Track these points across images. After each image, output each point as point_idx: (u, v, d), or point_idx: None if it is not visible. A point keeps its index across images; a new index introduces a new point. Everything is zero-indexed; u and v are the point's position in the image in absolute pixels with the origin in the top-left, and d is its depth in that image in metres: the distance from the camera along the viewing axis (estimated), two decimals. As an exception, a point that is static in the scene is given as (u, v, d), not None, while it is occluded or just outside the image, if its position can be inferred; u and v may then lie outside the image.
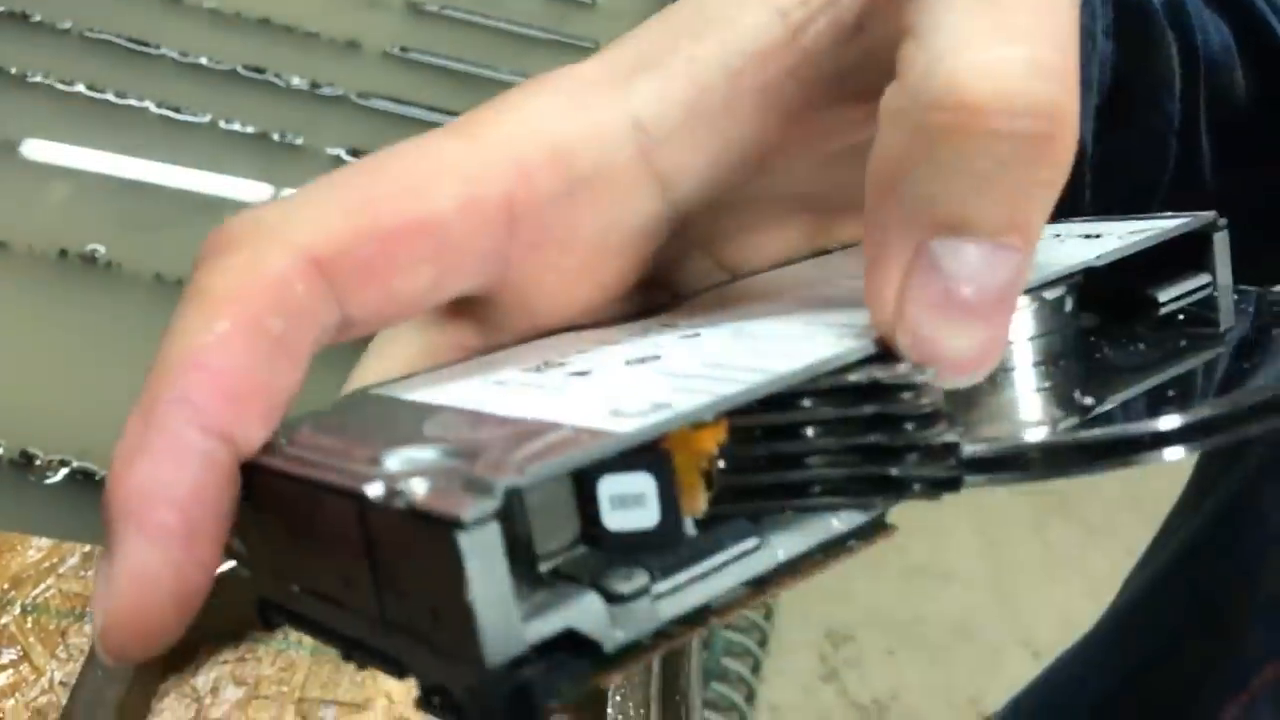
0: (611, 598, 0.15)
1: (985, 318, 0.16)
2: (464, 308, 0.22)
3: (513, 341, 0.22)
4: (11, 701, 0.42)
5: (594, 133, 0.20)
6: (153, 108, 0.73)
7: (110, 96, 0.73)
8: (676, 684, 0.45)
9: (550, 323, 0.22)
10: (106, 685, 0.41)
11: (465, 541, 0.13)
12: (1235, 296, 0.22)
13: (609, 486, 0.15)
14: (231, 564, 0.45)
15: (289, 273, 0.17)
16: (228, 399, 0.17)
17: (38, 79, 0.73)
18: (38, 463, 0.53)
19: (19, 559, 0.47)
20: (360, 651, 0.17)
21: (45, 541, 0.47)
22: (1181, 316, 0.22)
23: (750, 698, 1.38)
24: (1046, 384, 0.19)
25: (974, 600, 1.59)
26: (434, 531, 0.13)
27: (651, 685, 0.45)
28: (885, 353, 0.17)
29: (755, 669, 1.41)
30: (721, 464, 0.16)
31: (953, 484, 0.17)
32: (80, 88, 0.73)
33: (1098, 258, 0.20)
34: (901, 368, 0.17)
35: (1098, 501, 1.76)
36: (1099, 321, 0.22)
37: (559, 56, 0.88)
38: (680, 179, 0.21)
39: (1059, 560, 1.67)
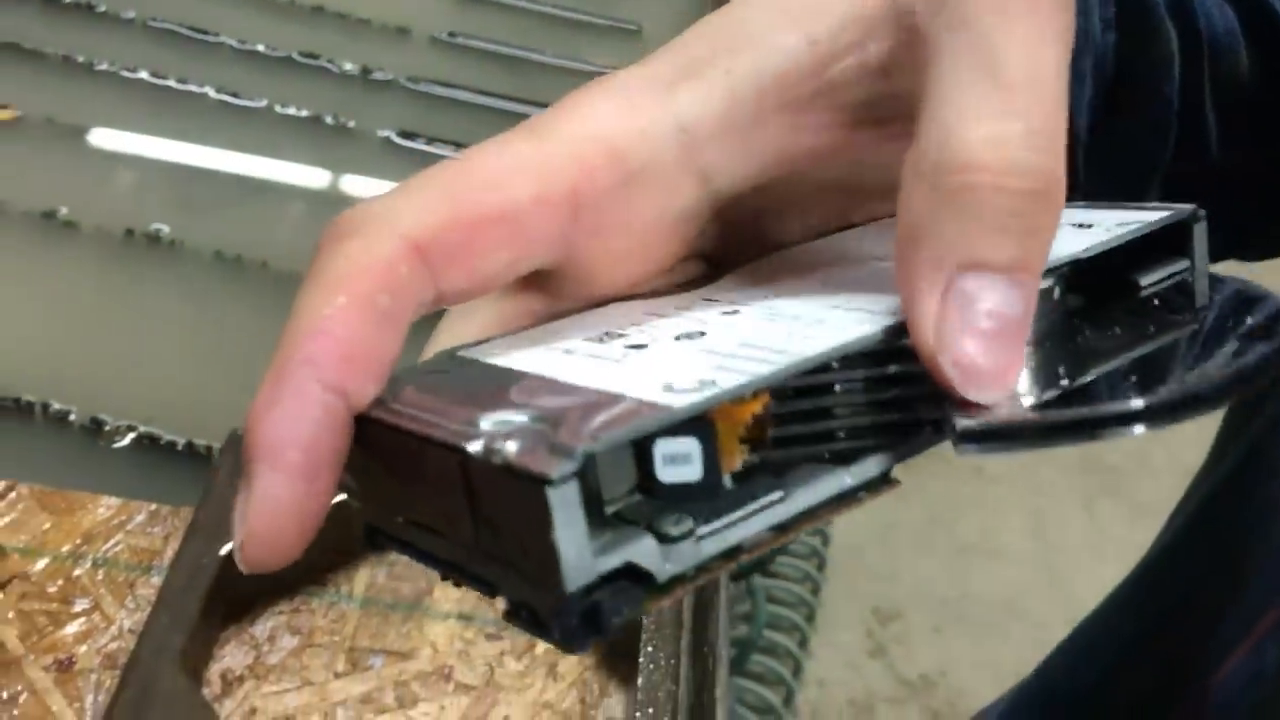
0: (663, 539, 0.18)
1: (1006, 341, 0.19)
2: (532, 280, 0.25)
3: (574, 309, 0.26)
4: (84, 648, 0.46)
5: (644, 134, 0.23)
6: (212, 93, 0.76)
7: (172, 83, 0.76)
8: (705, 636, 0.47)
9: (607, 294, 0.25)
10: (171, 633, 0.43)
11: (553, 496, 0.17)
12: (1210, 281, 0.24)
13: (662, 448, 0.18)
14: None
15: (394, 257, 0.21)
16: (345, 360, 0.20)
17: (104, 67, 0.76)
18: (107, 428, 0.56)
19: (90, 516, 0.50)
20: (457, 573, 0.20)
21: (114, 500, 0.50)
22: (1157, 302, 0.24)
23: (797, 672, 1.40)
24: (1033, 364, 0.22)
25: (1022, 578, 1.59)
26: (527, 486, 0.17)
27: (682, 639, 0.47)
28: (895, 338, 0.21)
29: (803, 644, 1.43)
30: (758, 431, 0.20)
31: (942, 430, 0.20)
32: (144, 75, 0.76)
33: (1085, 250, 0.23)
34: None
35: (1147, 480, 1.76)
36: (1084, 303, 0.24)
37: (604, 40, 0.90)
38: (719, 174, 0.24)
39: (1108, 538, 1.67)
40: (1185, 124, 0.35)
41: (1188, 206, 0.24)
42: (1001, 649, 1.52)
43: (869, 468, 0.20)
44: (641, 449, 0.18)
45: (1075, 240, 0.23)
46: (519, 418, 0.18)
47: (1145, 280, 0.24)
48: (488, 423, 0.18)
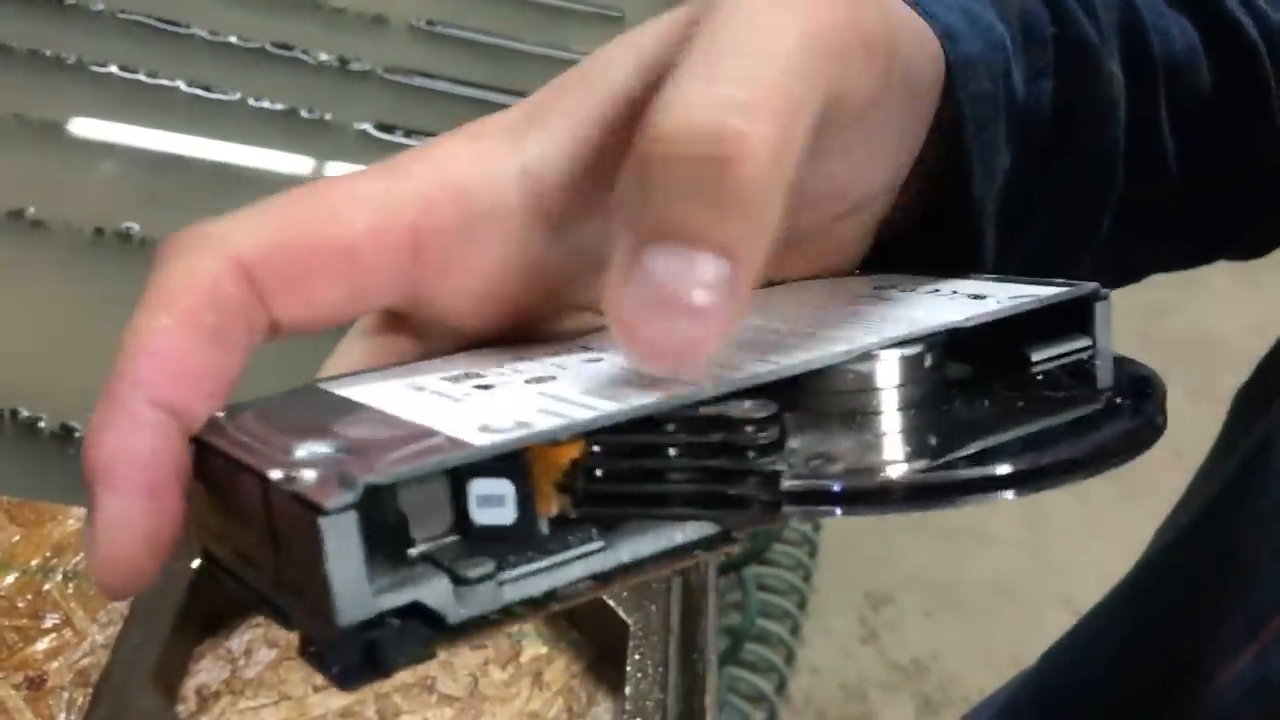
0: (460, 580, 0.18)
1: (685, 317, 0.18)
2: (399, 320, 0.25)
3: (447, 352, 0.25)
4: (56, 664, 0.44)
5: (489, 177, 0.23)
6: (184, 87, 0.75)
7: (142, 76, 0.75)
8: (694, 642, 0.46)
9: (474, 338, 0.25)
10: (144, 647, 0.42)
11: (325, 525, 0.16)
12: (1116, 361, 0.24)
13: (477, 488, 0.18)
14: None
15: (219, 275, 0.21)
16: (170, 378, 0.20)
17: (72, 60, 0.74)
18: (78, 435, 0.54)
19: (60, 528, 0.49)
20: (265, 606, 0.20)
21: (85, 511, 0.49)
22: (1053, 379, 0.23)
23: (790, 659, 1.39)
24: (899, 429, 0.21)
25: (1013, 561, 1.59)
26: (306, 514, 0.17)
27: (670, 645, 0.46)
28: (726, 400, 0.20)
29: (795, 631, 1.42)
30: (577, 477, 0.19)
31: (774, 507, 0.19)
32: (113, 68, 0.75)
33: (965, 319, 0.22)
34: (748, 404, 0.19)
35: (1139, 461, 1.75)
36: (971, 374, 0.24)
37: (586, 27, 0.88)
38: (568, 220, 0.24)
39: (1098, 519, 1.67)
40: (1138, 152, 0.34)
41: (1089, 285, 0.23)
42: (993, 632, 1.52)
43: (704, 526, 0.20)
44: (459, 490, 0.18)
45: (963, 309, 0.23)
46: (328, 449, 0.18)
47: (1038, 356, 0.23)
48: (301, 451, 0.18)
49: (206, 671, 0.45)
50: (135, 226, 0.65)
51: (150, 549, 0.19)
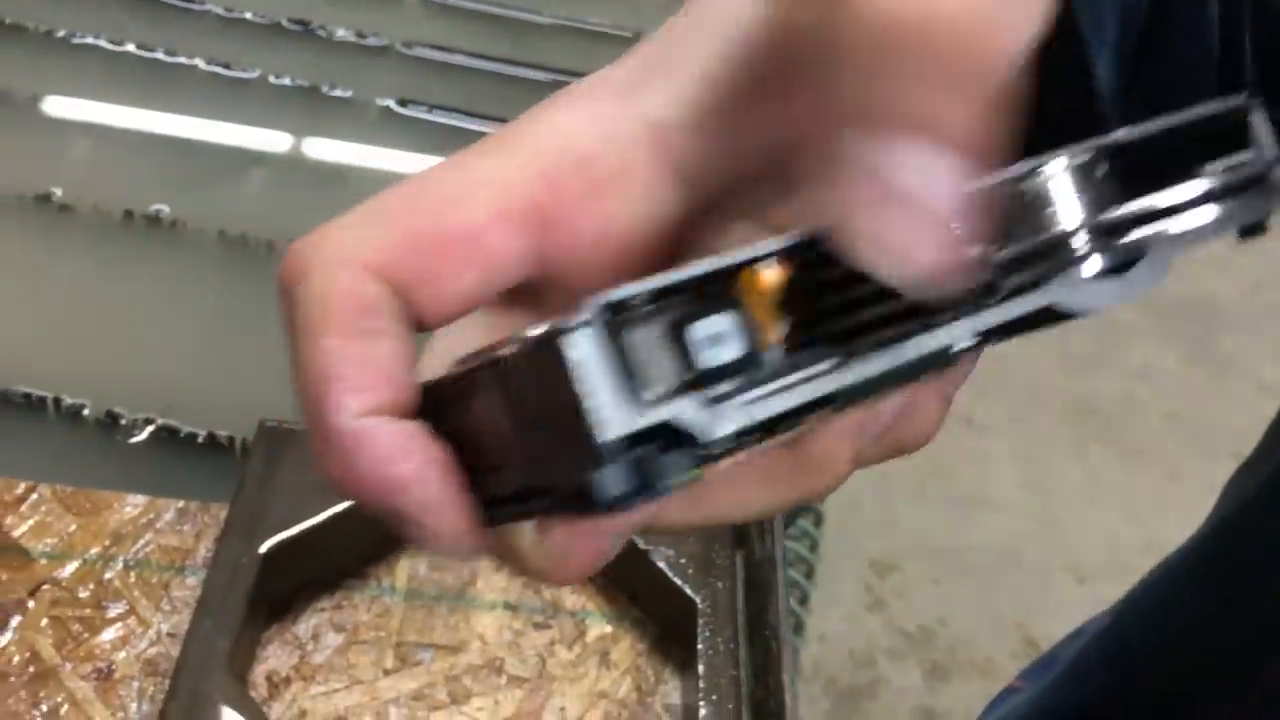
0: (707, 401, 0.17)
1: (927, 218, 0.18)
2: (518, 294, 0.24)
3: None
4: (122, 654, 0.44)
5: (612, 139, 0.22)
6: (202, 65, 0.73)
7: (160, 55, 0.73)
8: (764, 618, 0.46)
9: None
10: (216, 636, 0.42)
11: (567, 344, 0.16)
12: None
13: (698, 329, 0.17)
14: (321, 517, 0.45)
15: (355, 283, 0.20)
16: (370, 386, 0.20)
17: (88, 40, 0.73)
18: (123, 422, 0.54)
19: (116, 516, 0.48)
20: (517, 502, 0.20)
21: (140, 498, 0.49)
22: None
23: (798, 628, 1.40)
24: (1081, 223, 0.20)
25: (1018, 527, 1.59)
26: (548, 350, 0.17)
27: (738, 622, 0.46)
28: None
29: (803, 600, 1.43)
30: (791, 300, 0.19)
31: (999, 292, 0.19)
32: (130, 47, 0.73)
33: (1129, 131, 0.21)
34: None
35: (1139, 425, 1.76)
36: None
37: (600, 1, 0.87)
38: (699, 168, 0.23)
39: (1101, 485, 1.67)
40: (1224, 62, 0.33)
41: (1240, 96, 0.22)
42: (1000, 598, 1.53)
43: (928, 343, 0.19)
44: (678, 337, 0.18)
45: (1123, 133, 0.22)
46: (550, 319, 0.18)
47: (1210, 168, 0.22)
48: (522, 331, 0.18)
49: (275, 658, 0.45)
50: (165, 209, 0.64)
51: (464, 516, 0.20)
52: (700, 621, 0.45)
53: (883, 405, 0.22)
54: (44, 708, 0.42)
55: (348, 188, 0.69)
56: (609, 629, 0.48)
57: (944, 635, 1.48)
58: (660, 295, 0.17)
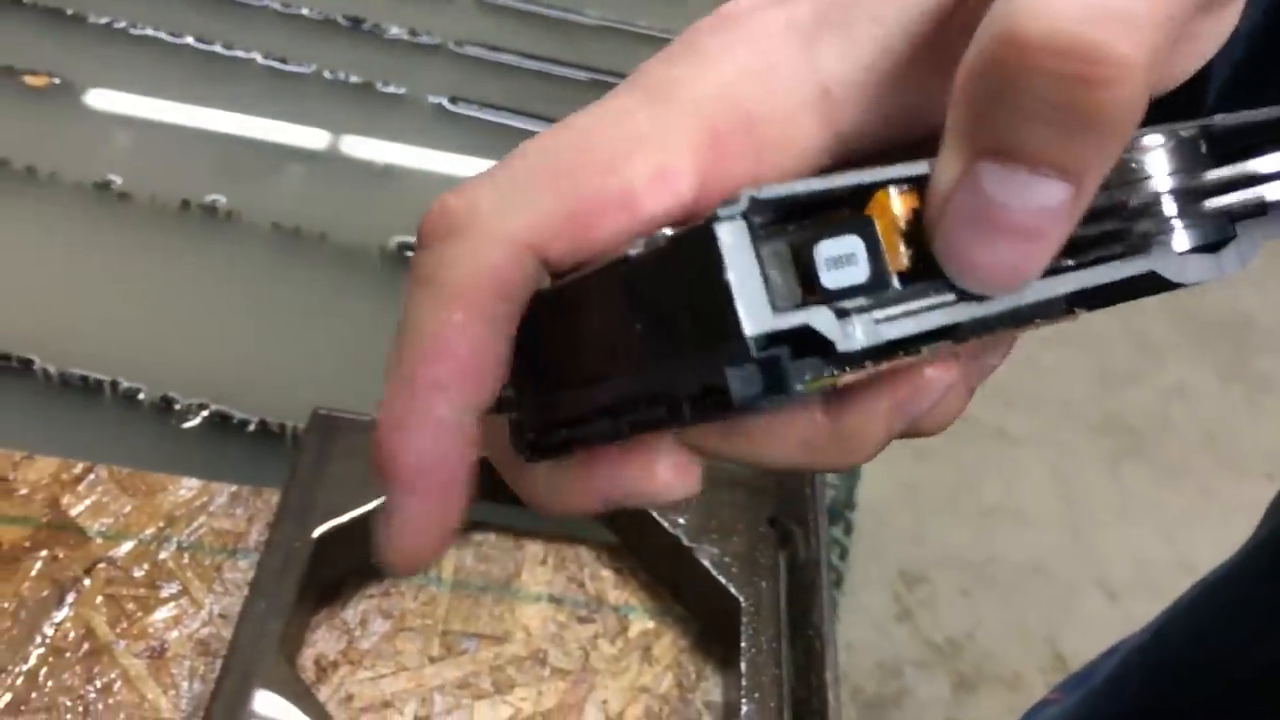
0: (840, 313, 0.17)
1: (1013, 240, 0.17)
2: None
3: None
4: (175, 634, 0.45)
5: (782, 100, 0.21)
6: (259, 59, 0.74)
7: (218, 48, 0.74)
8: (808, 618, 0.46)
9: None
10: (269, 618, 0.43)
11: (722, 231, 0.16)
12: None
13: (824, 250, 0.17)
14: (373, 505, 0.46)
15: (507, 263, 0.20)
16: (471, 379, 0.20)
17: (147, 32, 0.74)
18: (178, 407, 0.55)
19: (171, 498, 0.49)
20: (626, 414, 0.20)
21: (195, 482, 0.49)
22: None
23: (827, 636, 1.40)
24: (1187, 196, 0.21)
25: (1048, 541, 1.59)
26: (693, 238, 0.17)
27: (781, 620, 0.46)
28: None
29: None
30: (919, 227, 0.19)
31: (1123, 249, 0.20)
32: (189, 40, 0.74)
33: (1232, 114, 0.21)
34: None
35: (1173, 443, 1.75)
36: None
37: (649, 2, 0.88)
38: (859, 134, 0.22)
39: (1133, 501, 1.67)
40: None
41: None
42: (1029, 612, 1.52)
43: (1042, 289, 0.19)
44: (804, 258, 0.17)
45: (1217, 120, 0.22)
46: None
47: None
48: (642, 239, 0.18)
49: (323, 642, 0.46)
50: (221, 199, 0.65)
51: (440, 542, 0.20)
52: (744, 620, 0.46)
53: (932, 384, 0.21)
54: (98, 684, 0.43)
55: (398, 183, 0.69)
56: (651, 624, 0.48)
57: (972, 648, 1.48)
58: (802, 203, 0.18)
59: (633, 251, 0.18)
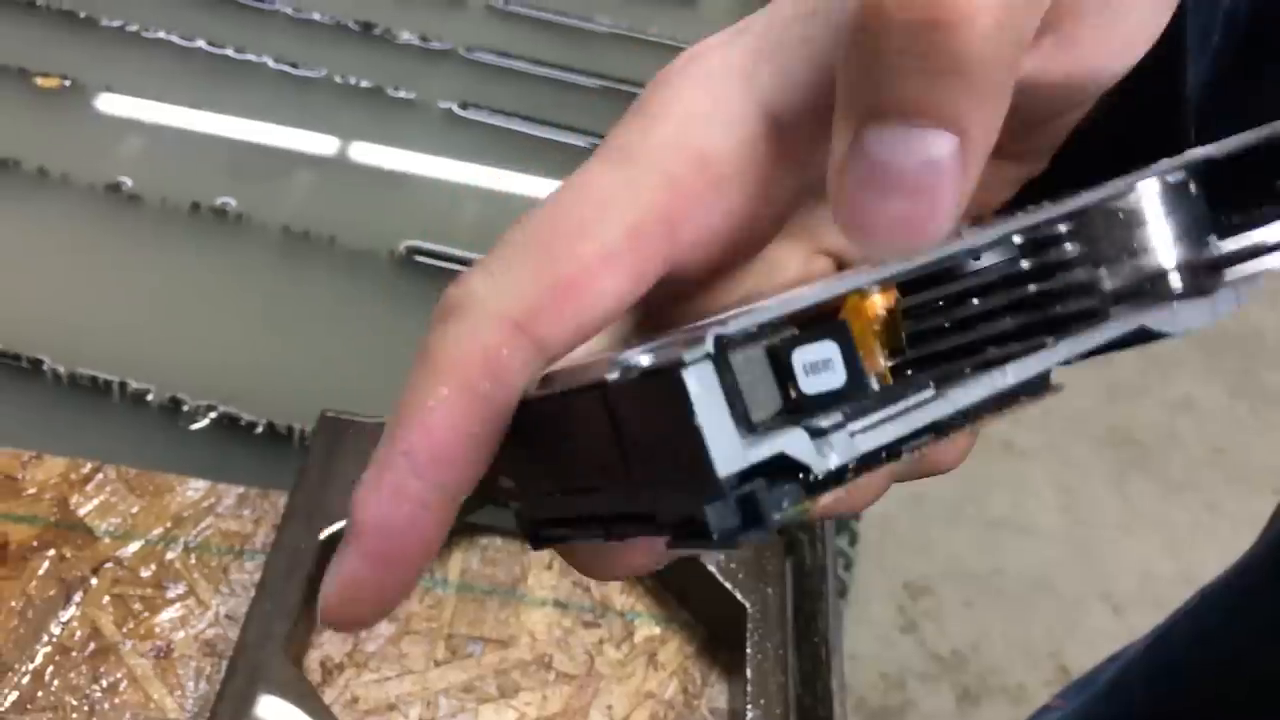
0: (815, 432, 0.17)
1: (905, 196, 0.18)
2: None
3: (669, 310, 0.25)
4: (181, 634, 0.45)
5: (730, 133, 0.22)
6: (270, 63, 0.75)
7: (230, 52, 0.75)
8: (814, 625, 0.46)
9: (701, 289, 0.24)
10: (275, 620, 0.43)
11: (689, 377, 0.16)
12: None
13: (801, 356, 0.17)
14: None
15: (494, 340, 0.20)
16: (440, 456, 0.20)
17: (159, 35, 0.75)
18: (186, 408, 0.55)
19: (178, 499, 0.49)
20: (618, 524, 0.20)
21: (202, 483, 0.49)
22: None
23: (831, 647, 1.39)
24: (1178, 245, 0.21)
25: (1053, 554, 1.58)
26: (663, 381, 0.17)
27: (787, 628, 0.46)
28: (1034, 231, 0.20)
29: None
30: (897, 325, 0.19)
31: (1100, 315, 0.20)
32: (201, 44, 0.75)
33: (1218, 147, 0.21)
34: (1049, 225, 0.20)
35: (1179, 457, 1.75)
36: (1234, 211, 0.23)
37: (659, 11, 0.88)
38: (814, 155, 0.22)
39: (1138, 515, 1.66)
40: None
41: None
42: (1034, 625, 1.52)
43: (1027, 368, 0.19)
44: (781, 367, 0.17)
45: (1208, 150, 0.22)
46: (654, 344, 0.18)
47: None
48: (623, 358, 0.18)
49: (329, 644, 0.46)
50: (231, 202, 0.65)
51: (377, 611, 0.20)
52: (749, 626, 0.46)
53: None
54: (104, 683, 0.43)
55: (408, 188, 0.70)
56: (657, 630, 0.48)
57: (976, 660, 1.48)
58: (773, 326, 0.18)
59: (610, 376, 0.18)
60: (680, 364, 0.16)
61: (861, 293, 0.18)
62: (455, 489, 0.20)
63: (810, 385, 0.17)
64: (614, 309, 0.21)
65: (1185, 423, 1.81)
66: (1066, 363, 0.20)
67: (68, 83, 0.71)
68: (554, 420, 0.20)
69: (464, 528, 0.50)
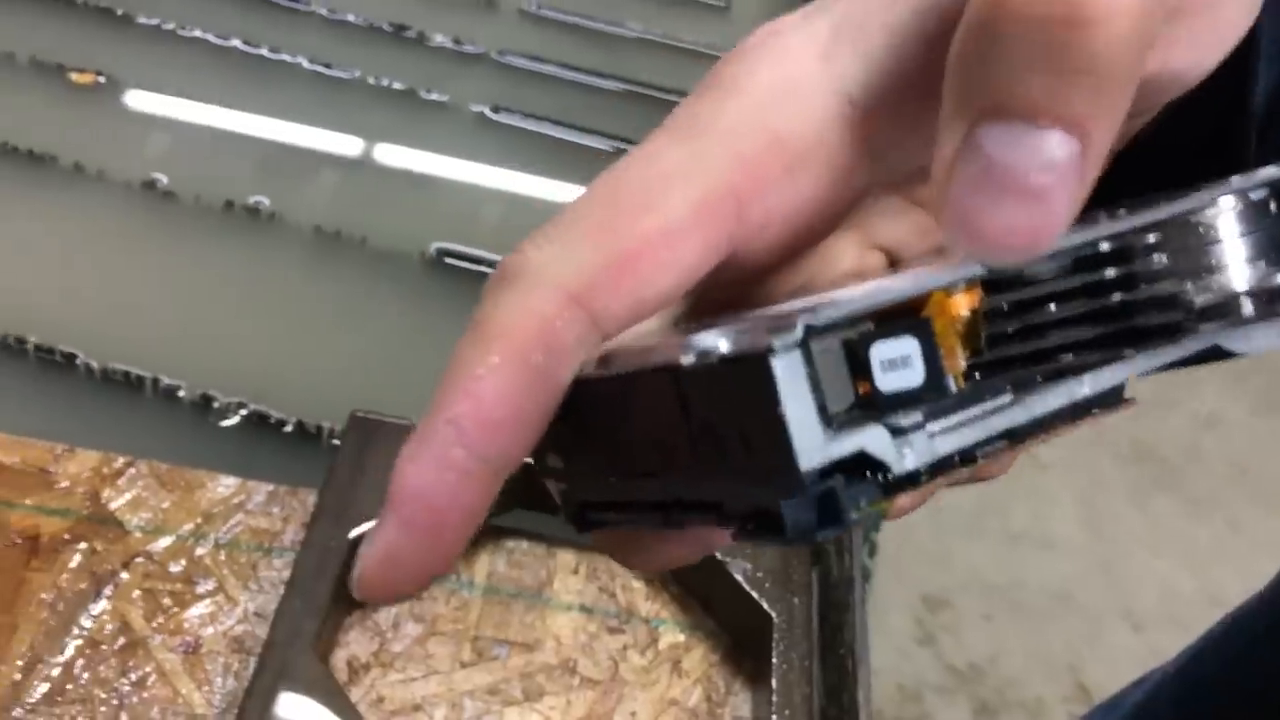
0: (895, 431, 0.17)
1: (1021, 201, 0.17)
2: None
3: (732, 294, 0.24)
4: (210, 630, 0.45)
5: (807, 115, 0.21)
6: (305, 64, 0.75)
7: (264, 52, 0.75)
8: (841, 636, 0.46)
9: (764, 278, 0.24)
10: (304, 617, 0.43)
11: (777, 364, 0.16)
12: None
13: (879, 351, 0.17)
14: None
15: (550, 311, 0.20)
16: (489, 426, 0.20)
17: (195, 34, 0.75)
18: (216, 405, 0.55)
19: (209, 495, 0.49)
20: (676, 510, 0.20)
21: (232, 480, 0.50)
22: None
23: (848, 657, 1.39)
24: (1256, 264, 0.20)
25: (1074, 569, 1.58)
26: (748, 367, 0.16)
27: (812, 639, 0.46)
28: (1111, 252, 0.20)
29: (853, 629, 1.43)
30: (981, 326, 0.19)
31: (1184, 330, 0.19)
32: (236, 43, 0.75)
33: None
34: (1135, 234, 0.19)
35: (1203, 474, 1.74)
36: None
37: (692, 17, 0.88)
38: (892, 144, 0.22)
39: (1161, 532, 1.65)
40: None
41: None
42: (1053, 640, 1.51)
43: (1104, 379, 0.19)
44: (858, 359, 0.17)
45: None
46: (729, 328, 0.18)
47: None
48: (697, 341, 0.17)
49: (356, 644, 0.46)
50: (265, 200, 0.65)
51: (416, 582, 0.20)
52: (775, 636, 0.46)
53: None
54: (132, 677, 0.43)
55: (439, 190, 0.70)
56: (682, 638, 0.48)
57: (994, 674, 1.47)
58: (853, 321, 0.17)
59: (685, 359, 0.17)
60: (770, 350, 0.16)
61: (947, 290, 0.18)
62: (500, 462, 0.20)
63: (887, 382, 0.17)
64: (675, 287, 0.21)
65: (1209, 440, 1.81)
66: (1143, 374, 0.20)
67: (102, 79, 0.71)
68: (614, 401, 0.20)
69: (491, 530, 0.50)
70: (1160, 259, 0.19)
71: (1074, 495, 1.67)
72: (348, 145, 0.71)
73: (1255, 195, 0.20)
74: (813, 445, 0.16)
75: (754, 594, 0.47)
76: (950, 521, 1.60)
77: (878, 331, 0.17)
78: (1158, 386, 1.81)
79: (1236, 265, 0.20)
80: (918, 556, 1.56)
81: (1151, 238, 0.19)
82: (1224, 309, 0.19)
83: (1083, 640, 1.52)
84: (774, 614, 0.46)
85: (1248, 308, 0.20)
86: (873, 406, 0.17)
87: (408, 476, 0.20)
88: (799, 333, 0.16)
